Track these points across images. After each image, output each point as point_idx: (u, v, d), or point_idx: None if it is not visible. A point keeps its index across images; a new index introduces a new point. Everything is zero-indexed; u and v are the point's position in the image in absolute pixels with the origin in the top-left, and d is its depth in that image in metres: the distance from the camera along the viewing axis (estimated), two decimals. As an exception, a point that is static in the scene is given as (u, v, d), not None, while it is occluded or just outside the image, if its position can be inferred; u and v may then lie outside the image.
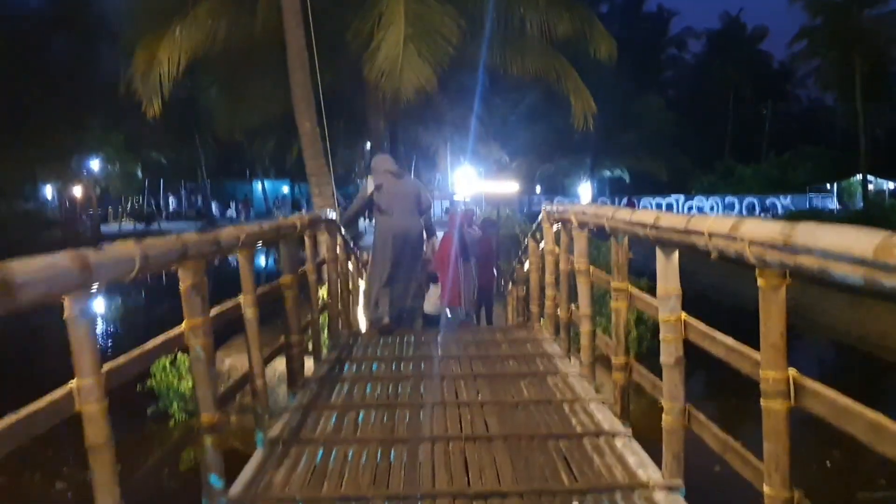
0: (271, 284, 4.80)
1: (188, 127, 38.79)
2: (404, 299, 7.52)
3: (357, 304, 8.77)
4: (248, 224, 4.45)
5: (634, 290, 4.20)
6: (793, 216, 40.34)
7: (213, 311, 3.36)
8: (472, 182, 33.35)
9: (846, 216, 38.66)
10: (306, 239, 5.71)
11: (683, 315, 3.40)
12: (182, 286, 3.08)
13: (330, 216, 6.51)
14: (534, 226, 7.46)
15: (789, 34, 47.16)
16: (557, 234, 6.32)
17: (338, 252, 6.97)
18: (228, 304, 3.88)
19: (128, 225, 43.64)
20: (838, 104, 52.76)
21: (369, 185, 7.34)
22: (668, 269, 3.44)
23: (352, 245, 8.43)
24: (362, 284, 9.40)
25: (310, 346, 5.75)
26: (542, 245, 6.98)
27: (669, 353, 3.39)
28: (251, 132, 25.14)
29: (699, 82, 60.93)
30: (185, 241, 2.84)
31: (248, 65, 13.77)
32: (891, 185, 44.53)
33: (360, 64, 12.07)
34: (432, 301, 9.06)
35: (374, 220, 7.63)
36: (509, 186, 22.37)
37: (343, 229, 7.65)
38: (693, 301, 3.67)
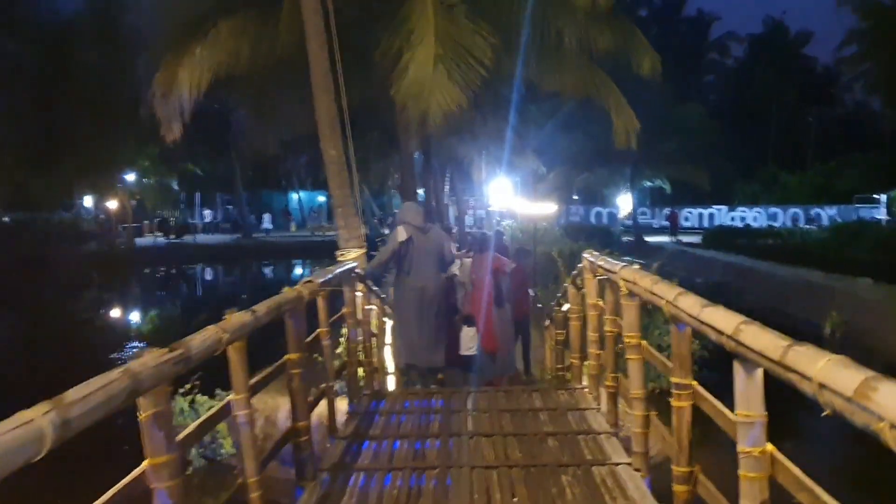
0: (276, 365, 4.18)
1: (223, 139, 38.62)
2: (433, 356, 7.12)
3: (383, 346, 8.17)
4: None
5: (702, 390, 3.48)
6: (839, 228, 38.88)
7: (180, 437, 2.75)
8: (506, 194, 32.71)
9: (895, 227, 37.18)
10: (319, 300, 5.08)
11: (770, 448, 2.67)
12: (141, 416, 2.46)
13: (346, 268, 5.86)
14: (573, 273, 6.77)
15: (834, 37, 45.73)
16: (602, 285, 5.65)
17: (357, 307, 6.33)
18: (215, 409, 3.26)
19: (162, 238, 43.67)
20: (887, 109, 51.08)
21: (399, 235, 7.25)
22: (749, 386, 2.73)
23: (376, 290, 7.85)
24: (389, 325, 8.80)
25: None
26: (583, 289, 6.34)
27: (752, 496, 2.66)
28: (285, 144, 24.79)
29: (741, 88, 59.51)
30: (133, 375, 2.21)
31: (275, 83, 13.26)
32: (944, 194, 42.73)
33: (389, 80, 11.47)
34: (467, 343, 8.42)
35: (395, 276, 7.47)
36: (546, 208, 21.57)
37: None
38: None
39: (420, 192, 24.87)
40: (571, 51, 13.04)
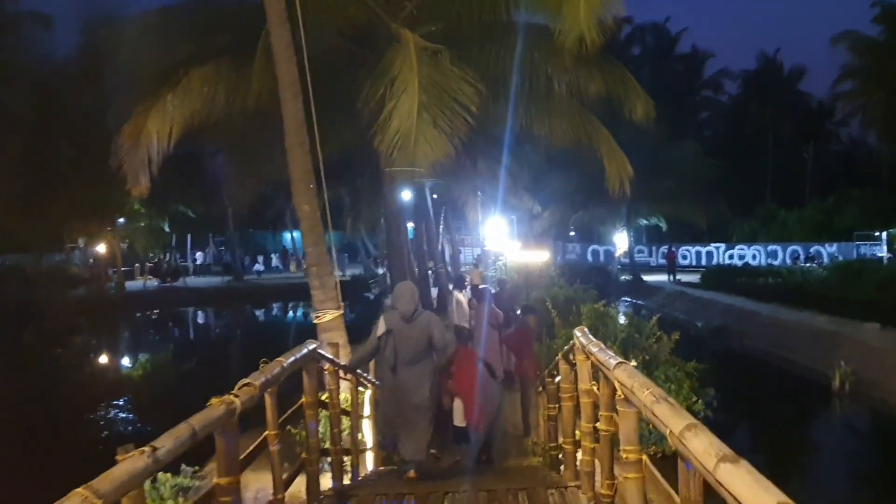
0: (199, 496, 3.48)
1: (213, 180, 38.12)
2: (417, 451, 6.68)
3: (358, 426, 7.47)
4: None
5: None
6: (840, 266, 38.28)
7: None
8: (502, 233, 32.18)
9: (898, 266, 36.63)
10: (267, 398, 4.40)
11: None
12: None
13: (303, 355, 5.13)
14: (566, 348, 6.10)
15: (827, 72, 45.71)
16: (596, 369, 4.98)
17: (325, 396, 5.63)
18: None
19: (152, 282, 42.89)
20: (883, 145, 50.90)
21: (379, 328, 6.77)
22: None
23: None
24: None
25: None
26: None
27: None
28: (275, 185, 24.23)
29: (736, 124, 59.36)
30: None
31: (253, 130, 12.71)
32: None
33: (373, 130, 10.90)
34: (460, 415, 7.82)
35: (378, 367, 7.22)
36: (540, 256, 20.98)
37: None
38: None
39: (410, 226, 24.34)
40: (562, 96, 12.56)
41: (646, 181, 38.65)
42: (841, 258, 41.84)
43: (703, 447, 2.42)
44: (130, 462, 2.59)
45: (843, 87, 45.06)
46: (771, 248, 46.76)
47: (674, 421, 2.75)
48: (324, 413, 6.34)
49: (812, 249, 45.43)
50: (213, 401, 3.51)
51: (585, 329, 5.47)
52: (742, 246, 47.81)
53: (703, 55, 63.62)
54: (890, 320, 21.06)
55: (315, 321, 8.96)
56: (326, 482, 6.05)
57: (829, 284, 36.04)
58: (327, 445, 6.22)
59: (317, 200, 9.09)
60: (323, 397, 6.22)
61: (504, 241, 30.96)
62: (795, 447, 13.66)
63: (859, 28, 38.29)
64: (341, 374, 6.77)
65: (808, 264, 42.88)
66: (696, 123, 62.88)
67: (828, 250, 44.88)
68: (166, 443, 2.87)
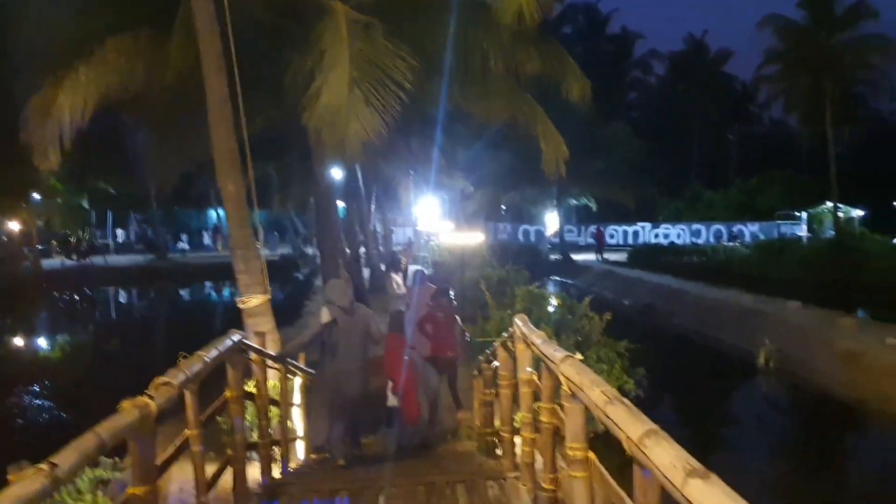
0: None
1: (134, 156, 36.67)
2: (350, 446, 6.78)
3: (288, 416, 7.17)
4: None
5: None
6: (763, 245, 39.44)
7: None
8: (434, 213, 31.98)
9: (817, 245, 37.95)
10: (187, 395, 4.06)
11: None
12: None
13: (226, 348, 4.78)
14: (505, 335, 5.92)
15: (753, 56, 46.70)
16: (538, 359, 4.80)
17: (252, 388, 5.30)
18: None
19: (70, 260, 41.14)
20: (804, 127, 52.49)
21: (323, 316, 6.92)
22: None
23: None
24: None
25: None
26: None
27: None
28: (200, 163, 23.36)
29: (664, 105, 60.38)
30: None
31: (174, 106, 12.05)
32: (859, 212, 43.92)
33: (302, 105, 10.45)
34: (392, 396, 7.67)
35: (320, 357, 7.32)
36: (473, 237, 20.83)
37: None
38: None
39: (341, 205, 23.87)
40: (498, 75, 12.29)
41: (577, 162, 38.99)
42: (763, 237, 43.09)
43: (668, 460, 2.21)
44: (24, 485, 2.25)
45: (768, 71, 46.07)
46: (695, 227, 47.82)
47: (631, 426, 2.55)
48: (251, 405, 6.01)
49: (735, 229, 46.67)
50: (125, 404, 3.16)
51: (525, 318, 5.29)
52: (667, 225, 48.77)
53: (632, 36, 64.37)
54: (811, 298, 21.74)
55: (240, 306, 8.58)
56: (257, 475, 5.76)
57: (752, 263, 37.17)
58: (256, 438, 5.89)
59: (242, 180, 8.67)
60: (251, 387, 5.90)
61: (436, 221, 30.77)
62: (721, 423, 13.93)
63: (784, 12, 39.10)
64: (269, 363, 6.44)
65: (731, 243, 44.05)
66: (626, 104, 63.72)
67: (750, 230, 46.17)
68: (69, 458, 2.53)
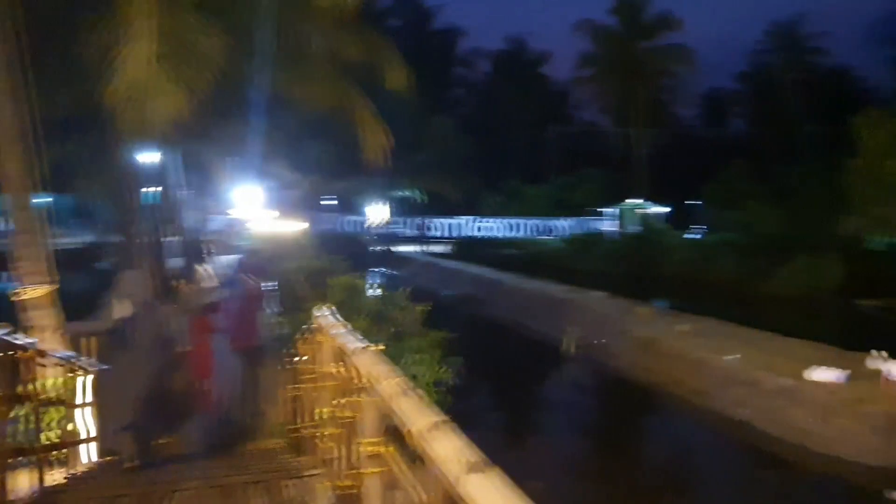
0: None
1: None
2: (147, 440, 6.30)
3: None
4: None
5: None
6: (574, 239, 41.59)
7: None
8: (254, 201, 30.94)
9: (623, 240, 40.53)
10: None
11: None
12: None
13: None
14: (304, 326, 5.73)
15: (571, 58, 49.11)
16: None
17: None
18: None
19: None
20: (615, 128, 55.87)
21: (117, 310, 6.68)
22: None
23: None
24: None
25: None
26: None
27: None
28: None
29: (487, 103, 61.95)
30: None
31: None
32: (664, 209, 47.31)
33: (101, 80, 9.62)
34: (198, 394, 7.25)
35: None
36: (295, 226, 20.36)
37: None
38: None
39: (151, 190, 22.50)
40: (319, 60, 11.99)
41: (403, 154, 39.38)
42: (575, 232, 45.31)
43: (449, 453, 2.13)
44: None
45: (583, 73, 48.51)
46: (514, 221, 49.52)
47: (417, 418, 2.46)
48: (25, 407, 5.42)
49: (550, 223, 48.80)
50: None
51: (333, 307, 5.12)
52: (488, 219, 50.19)
53: (457, 32, 65.53)
54: (616, 289, 23.12)
55: (15, 299, 7.71)
56: (31, 482, 5.20)
57: (564, 256, 39.15)
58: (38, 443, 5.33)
59: (27, 159, 7.84)
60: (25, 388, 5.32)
61: (258, 209, 29.78)
62: (529, 407, 14.47)
63: (598, 17, 41.16)
64: (51, 360, 5.86)
65: (546, 237, 46.02)
66: (452, 100, 64.88)
67: (564, 224, 48.41)
68: None
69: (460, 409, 12.39)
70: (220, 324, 7.87)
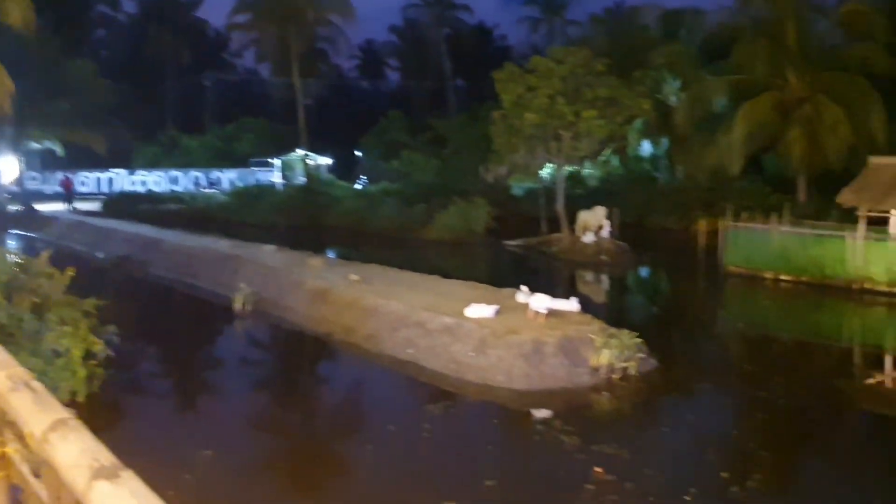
0: None
1: None
2: None
3: None
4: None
5: None
6: (240, 192, 40.50)
7: None
8: None
9: (289, 191, 40.37)
10: None
11: None
12: None
13: None
14: None
15: (229, 2, 46.99)
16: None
17: None
18: None
19: None
20: (275, 76, 55.05)
21: None
22: None
23: None
24: None
25: None
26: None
27: None
28: None
29: (136, 46, 57.09)
30: None
31: None
32: (327, 160, 47.84)
33: None
34: None
35: None
36: None
37: None
38: None
39: None
40: None
41: (34, 101, 34.88)
42: (240, 184, 44.18)
43: (74, 458, 1.71)
44: None
45: (239, 19, 46.82)
46: (173, 174, 46.86)
47: (36, 418, 1.97)
48: None
49: (213, 175, 46.98)
50: None
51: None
52: (144, 172, 46.89)
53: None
54: (285, 241, 22.91)
55: None
56: None
57: (230, 209, 37.94)
58: None
59: None
60: None
61: None
62: (202, 369, 13.79)
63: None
64: None
65: (209, 190, 44.28)
66: (93, 42, 58.86)
67: (228, 176, 46.88)
68: None
69: (122, 381, 11.41)
70: None
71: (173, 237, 24.60)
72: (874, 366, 12.96)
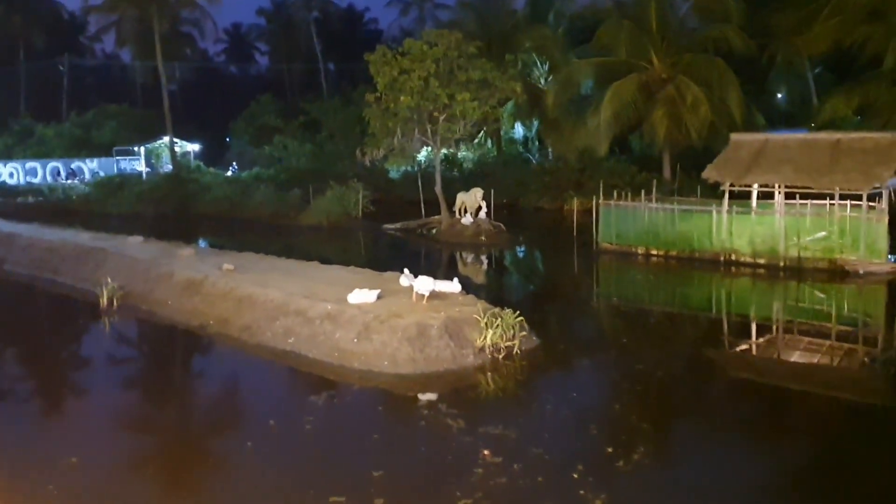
0: None
1: None
2: None
3: None
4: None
5: None
6: (103, 182, 38.39)
7: None
8: None
9: (155, 180, 38.64)
10: None
11: None
12: None
13: None
14: None
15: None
16: None
17: None
18: None
19: None
20: (136, 61, 52.46)
21: None
22: None
23: None
24: None
25: None
26: None
27: None
28: None
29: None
30: None
31: None
32: (195, 146, 46.05)
33: None
34: None
35: None
36: None
37: None
38: None
39: None
40: None
41: None
42: (102, 174, 42.01)
43: None
44: None
45: (96, 1, 44.46)
46: (30, 165, 43.91)
47: None
48: None
49: (73, 165, 44.35)
50: None
51: None
52: (-2, 163, 43.77)
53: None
54: (152, 232, 21.84)
55: None
56: None
57: (92, 200, 35.95)
58: None
59: None
60: None
61: None
62: (60, 371, 12.84)
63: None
64: None
65: (69, 181, 41.85)
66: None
67: (89, 166, 44.37)
68: None
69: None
70: None
71: (30, 231, 23.00)
72: (741, 334, 13.62)
